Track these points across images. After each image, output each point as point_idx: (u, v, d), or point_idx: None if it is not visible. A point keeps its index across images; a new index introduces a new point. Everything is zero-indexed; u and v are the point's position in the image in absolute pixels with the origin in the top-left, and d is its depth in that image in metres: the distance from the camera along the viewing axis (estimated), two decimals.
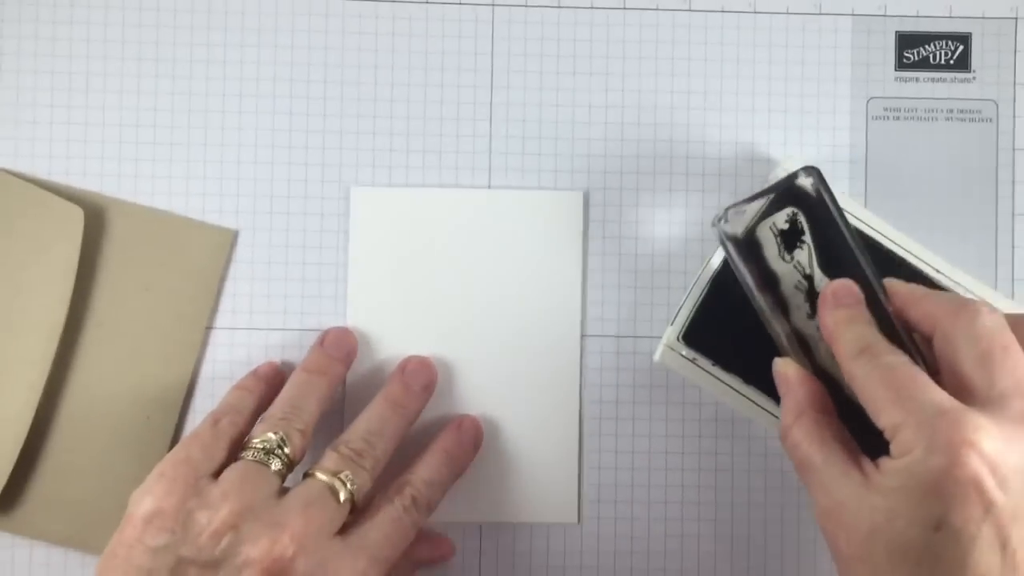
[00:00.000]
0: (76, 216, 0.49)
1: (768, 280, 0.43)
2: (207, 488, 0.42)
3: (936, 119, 0.51)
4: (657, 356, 0.48)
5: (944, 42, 0.52)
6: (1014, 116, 0.52)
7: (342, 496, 0.43)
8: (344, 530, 0.43)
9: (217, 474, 0.43)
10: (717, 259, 0.47)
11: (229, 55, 0.51)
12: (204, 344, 0.50)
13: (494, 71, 0.51)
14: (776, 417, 0.47)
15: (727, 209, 0.44)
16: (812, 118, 0.52)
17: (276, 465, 0.43)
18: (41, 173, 0.50)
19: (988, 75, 0.52)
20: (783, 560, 0.51)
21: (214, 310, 0.50)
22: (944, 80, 0.52)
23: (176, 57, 0.51)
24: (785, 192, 0.44)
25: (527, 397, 0.50)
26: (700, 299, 0.47)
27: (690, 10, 0.52)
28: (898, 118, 0.52)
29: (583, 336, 0.51)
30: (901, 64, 0.52)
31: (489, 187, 0.51)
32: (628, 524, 0.51)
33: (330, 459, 0.44)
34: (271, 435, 0.44)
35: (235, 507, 0.41)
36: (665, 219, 0.51)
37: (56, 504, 0.49)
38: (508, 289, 0.51)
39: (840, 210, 0.44)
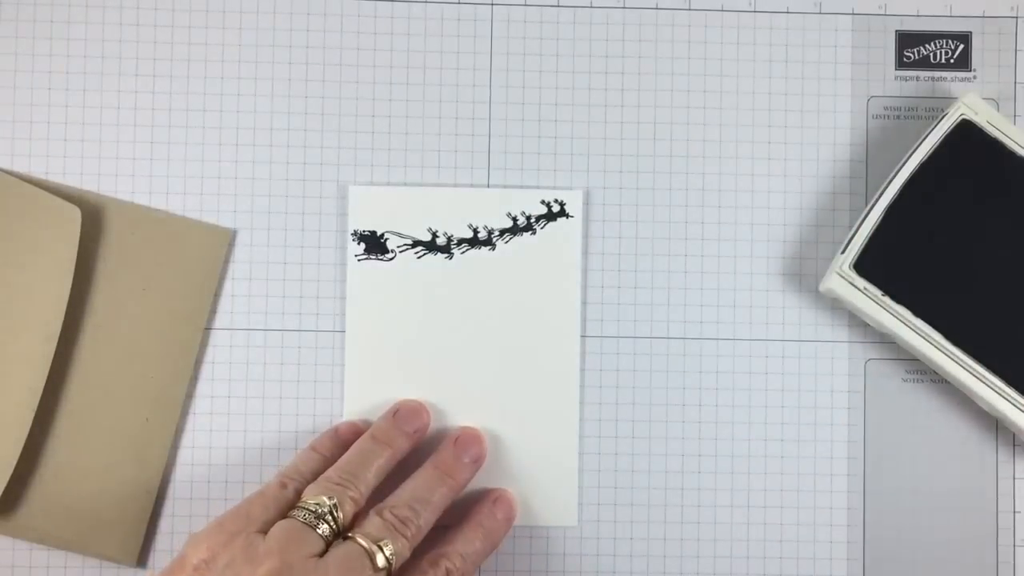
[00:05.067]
0: (74, 216, 0.49)
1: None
2: (255, 542, 0.42)
3: (936, 119, 0.51)
4: (826, 284, 0.48)
5: (944, 41, 0.52)
6: (1015, 115, 0.51)
7: (380, 563, 0.43)
8: None
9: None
10: (893, 189, 0.48)
11: (227, 54, 0.51)
12: (203, 344, 0.50)
13: (493, 70, 0.51)
14: (942, 351, 0.47)
15: None
16: (812, 118, 0.52)
17: (323, 530, 0.43)
18: (38, 173, 0.50)
19: (989, 74, 0.52)
20: (783, 562, 0.50)
21: (212, 310, 0.50)
22: (944, 79, 0.52)
23: (174, 56, 0.51)
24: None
25: (526, 398, 0.50)
26: (874, 228, 0.48)
27: (690, 9, 0.52)
28: (898, 117, 0.52)
29: (583, 336, 0.51)
30: (901, 63, 0.52)
31: (488, 186, 0.51)
32: (628, 527, 0.50)
33: (373, 524, 0.44)
34: (325, 499, 0.44)
35: (275, 565, 0.41)
36: (665, 219, 0.51)
37: (56, 507, 0.49)
38: (507, 289, 0.50)
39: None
